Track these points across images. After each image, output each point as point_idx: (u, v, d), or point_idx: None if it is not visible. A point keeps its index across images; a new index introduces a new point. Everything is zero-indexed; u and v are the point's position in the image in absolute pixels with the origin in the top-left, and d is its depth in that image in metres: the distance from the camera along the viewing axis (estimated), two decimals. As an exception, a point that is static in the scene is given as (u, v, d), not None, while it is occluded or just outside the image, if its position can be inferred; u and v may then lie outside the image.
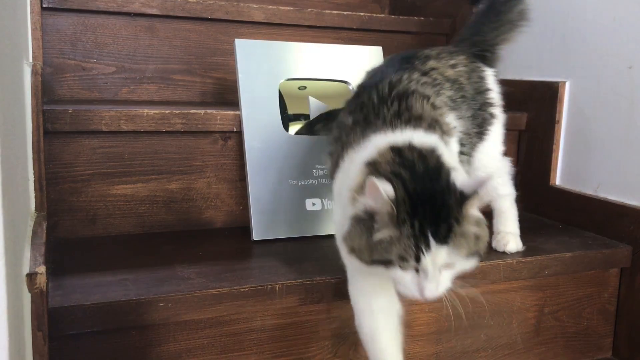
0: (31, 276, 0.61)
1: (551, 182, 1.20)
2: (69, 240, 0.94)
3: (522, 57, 1.29)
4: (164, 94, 1.25)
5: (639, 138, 1.04)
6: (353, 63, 1.10)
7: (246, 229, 1.00)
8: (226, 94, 1.30)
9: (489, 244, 0.73)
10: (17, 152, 0.71)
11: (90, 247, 0.92)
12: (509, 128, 1.23)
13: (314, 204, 1.01)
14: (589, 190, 1.14)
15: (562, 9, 1.19)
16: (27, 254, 0.69)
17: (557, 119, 1.18)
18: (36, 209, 0.88)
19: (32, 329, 0.63)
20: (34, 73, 0.84)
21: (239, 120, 1.01)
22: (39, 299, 0.62)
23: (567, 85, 1.18)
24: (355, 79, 1.09)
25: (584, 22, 1.15)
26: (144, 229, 0.99)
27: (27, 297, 0.63)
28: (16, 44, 0.78)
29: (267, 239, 0.97)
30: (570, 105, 1.18)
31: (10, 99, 0.66)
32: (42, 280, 0.62)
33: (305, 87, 1.06)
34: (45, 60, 1.16)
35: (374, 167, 0.67)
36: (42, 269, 0.62)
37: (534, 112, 1.23)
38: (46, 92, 1.16)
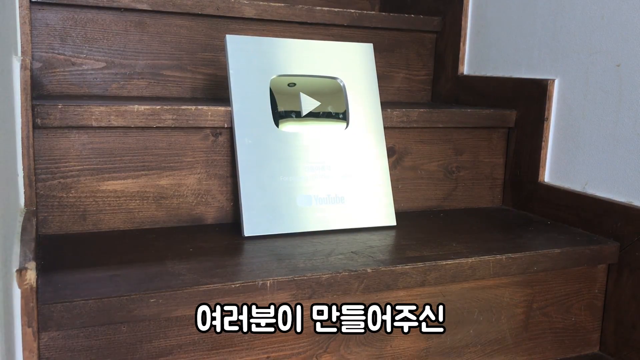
0: (21, 272, 0.61)
1: (540, 179, 1.21)
2: (58, 236, 0.94)
3: (511, 54, 1.30)
4: (154, 89, 1.25)
5: (626, 135, 1.06)
6: (343, 59, 1.10)
7: (237, 225, 1.00)
8: (217, 90, 1.30)
9: None
10: (6, 147, 0.70)
11: (80, 243, 0.92)
12: (499, 125, 1.25)
13: (305, 200, 1.01)
14: (577, 186, 1.15)
15: (551, 7, 1.20)
16: (17, 250, 0.69)
17: (546, 117, 1.19)
18: (25, 205, 0.88)
19: (22, 325, 0.62)
20: (23, 68, 0.84)
21: (230, 116, 1.01)
22: (28, 295, 0.62)
23: (556, 83, 1.19)
24: (345, 75, 1.09)
25: (573, 20, 1.16)
26: (134, 225, 0.99)
27: (17, 294, 0.62)
28: (5, 38, 0.77)
29: (258, 235, 0.97)
30: (559, 102, 1.19)
31: (-1, 94, 0.65)
32: (31, 276, 0.61)
33: (295, 84, 1.06)
34: (35, 55, 1.15)
35: None
36: (31, 264, 0.62)
37: (523, 110, 1.24)
38: (35, 87, 1.15)
